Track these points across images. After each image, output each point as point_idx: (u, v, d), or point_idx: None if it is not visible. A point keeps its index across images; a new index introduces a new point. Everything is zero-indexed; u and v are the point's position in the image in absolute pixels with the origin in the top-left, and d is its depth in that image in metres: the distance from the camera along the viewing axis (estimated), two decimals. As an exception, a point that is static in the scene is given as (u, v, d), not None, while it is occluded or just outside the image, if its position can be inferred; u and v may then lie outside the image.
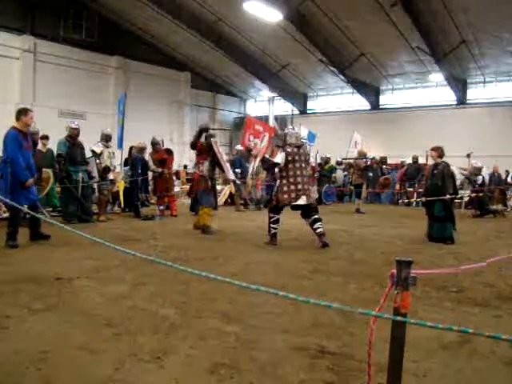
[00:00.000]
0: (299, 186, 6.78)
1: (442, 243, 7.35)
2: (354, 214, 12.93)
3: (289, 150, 6.83)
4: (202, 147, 8.22)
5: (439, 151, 7.80)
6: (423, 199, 7.96)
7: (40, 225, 6.63)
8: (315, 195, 7.47)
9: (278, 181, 6.95)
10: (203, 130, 8.21)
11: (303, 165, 6.96)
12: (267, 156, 7.11)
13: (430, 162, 9.20)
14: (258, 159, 7.26)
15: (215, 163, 8.12)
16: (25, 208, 5.85)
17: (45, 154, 9.60)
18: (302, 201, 6.79)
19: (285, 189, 6.79)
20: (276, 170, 7.11)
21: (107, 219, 9.60)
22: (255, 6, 15.57)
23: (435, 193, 7.60)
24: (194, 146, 8.27)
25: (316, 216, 6.86)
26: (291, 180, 6.77)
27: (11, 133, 6.16)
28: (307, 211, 6.91)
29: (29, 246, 6.21)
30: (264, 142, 7.27)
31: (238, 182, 13.01)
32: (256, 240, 7.36)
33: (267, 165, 7.19)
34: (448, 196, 7.51)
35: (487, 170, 14.21)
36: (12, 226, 6.17)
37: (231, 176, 8.42)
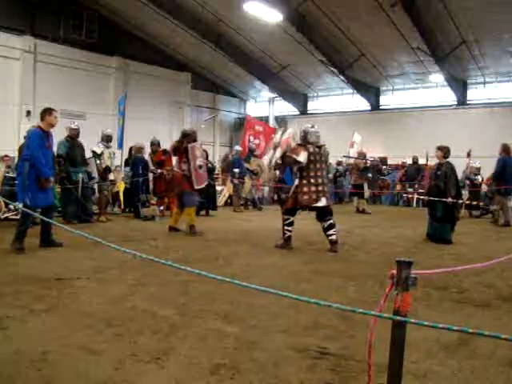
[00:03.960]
0: (320, 188, 6.58)
1: (442, 244, 7.36)
2: (353, 214, 12.95)
3: (311, 149, 6.60)
4: (179, 148, 8.05)
5: (445, 151, 7.67)
6: (425, 198, 7.91)
7: (51, 232, 6.37)
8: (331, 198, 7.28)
9: (297, 181, 6.68)
10: (185, 136, 8.03)
11: (323, 165, 6.78)
12: (289, 153, 6.67)
13: (430, 162, 9.20)
14: (279, 152, 6.74)
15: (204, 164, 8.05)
16: (37, 212, 5.63)
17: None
18: (322, 203, 6.57)
19: (305, 189, 6.55)
20: (294, 169, 6.89)
21: (107, 220, 9.60)
22: (255, 6, 15.56)
23: (438, 194, 7.56)
24: (175, 152, 8.16)
25: (331, 221, 6.64)
26: (312, 181, 6.55)
27: (36, 131, 6.20)
28: (323, 214, 6.68)
29: (29, 246, 6.17)
30: (286, 135, 6.82)
31: (235, 181, 13.05)
32: (256, 241, 7.36)
33: (288, 162, 6.86)
34: (450, 199, 7.44)
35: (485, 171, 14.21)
36: (21, 227, 5.97)
37: (196, 186, 7.94)
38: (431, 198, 7.69)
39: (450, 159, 7.80)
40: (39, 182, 6.01)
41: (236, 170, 12.97)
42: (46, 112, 6.23)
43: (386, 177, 17.42)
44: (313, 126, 6.89)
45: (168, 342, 3.01)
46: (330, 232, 6.60)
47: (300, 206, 6.70)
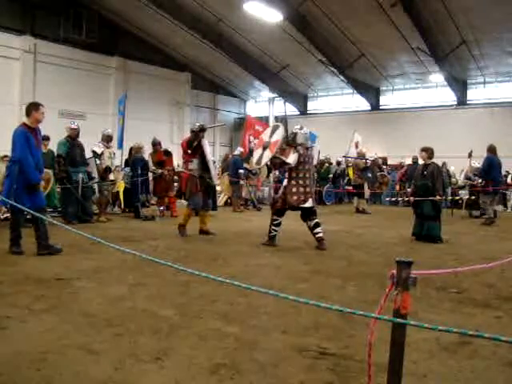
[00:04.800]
0: (307, 189, 6.73)
1: (431, 242, 7.45)
2: (353, 214, 12.95)
3: (301, 151, 6.71)
4: (193, 143, 7.81)
5: (429, 152, 7.90)
6: (411, 199, 8.05)
7: (47, 236, 5.81)
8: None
9: (286, 182, 6.80)
10: (203, 130, 7.82)
11: (311, 166, 6.97)
12: (278, 155, 6.78)
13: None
14: (268, 153, 6.84)
15: (205, 162, 7.77)
16: (29, 211, 5.05)
17: (45, 154, 9.58)
18: (309, 203, 6.73)
19: (294, 190, 6.68)
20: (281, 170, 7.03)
21: (107, 220, 9.60)
22: (255, 6, 15.57)
23: (425, 193, 7.71)
24: (191, 146, 7.73)
25: (317, 220, 6.82)
26: (300, 182, 6.69)
27: (19, 131, 5.66)
28: (308, 214, 6.83)
29: (29, 246, 6.16)
30: (277, 136, 6.88)
31: (242, 182, 13.04)
32: (255, 241, 7.36)
33: (277, 163, 6.96)
34: (438, 197, 7.64)
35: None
36: (14, 231, 5.74)
37: (216, 179, 7.97)
38: (418, 199, 7.80)
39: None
40: (28, 186, 5.60)
41: (241, 171, 12.98)
42: (33, 107, 5.76)
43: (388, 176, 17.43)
44: (302, 128, 6.99)
45: (168, 342, 3.01)
46: (317, 230, 6.77)
47: (288, 206, 6.82)
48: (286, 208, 6.87)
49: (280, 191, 7.03)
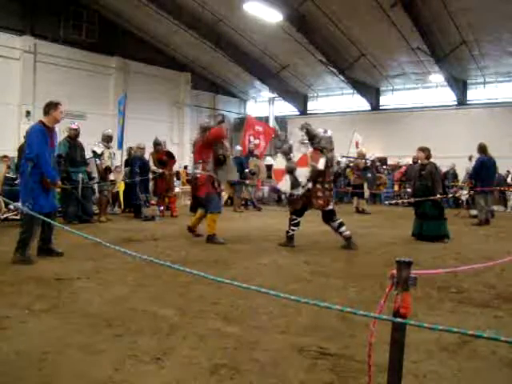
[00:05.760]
0: (331, 192, 6.85)
1: (437, 242, 7.45)
2: (353, 214, 12.95)
3: (328, 155, 6.73)
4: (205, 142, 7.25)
5: (427, 152, 7.89)
6: (412, 200, 8.04)
7: (51, 239, 5.73)
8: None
9: (311, 184, 6.68)
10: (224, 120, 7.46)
11: (332, 169, 7.07)
12: (313, 163, 6.62)
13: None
14: (307, 174, 6.66)
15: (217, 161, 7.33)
16: (39, 217, 4.60)
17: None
18: (330, 206, 6.81)
19: (319, 194, 6.67)
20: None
21: (107, 220, 9.61)
22: (255, 6, 15.56)
23: (424, 193, 7.72)
24: (201, 147, 7.30)
25: (341, 220, 6.82)
26: (326, 186, 6.73)
27: (36, 127, 5.49)
28: (329, 215, 6.82)
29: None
30: (301, 153, 6.79)
31: (247, 182, 13.03)
32: (255, 242, 7.36)
33: (316, 175, 6.69)
34: (438, 196, 7.64)
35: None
36: (24, 235, 5.30)
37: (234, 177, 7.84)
38: (418, 199, 7.82)
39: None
40: (44, 183, 5.40)
41: (247, 171, 12.93)
42: (52, 106, 5.54)
43: (386, 176, 17.42)
44: (326, 131, 6.92)
45: (168, 342, 3.01)
46: (342, 229, 6.79)
47: (312, 208, 6.83)
48: (307, 209, 6.87)
49: (300, 192, 6.83)
